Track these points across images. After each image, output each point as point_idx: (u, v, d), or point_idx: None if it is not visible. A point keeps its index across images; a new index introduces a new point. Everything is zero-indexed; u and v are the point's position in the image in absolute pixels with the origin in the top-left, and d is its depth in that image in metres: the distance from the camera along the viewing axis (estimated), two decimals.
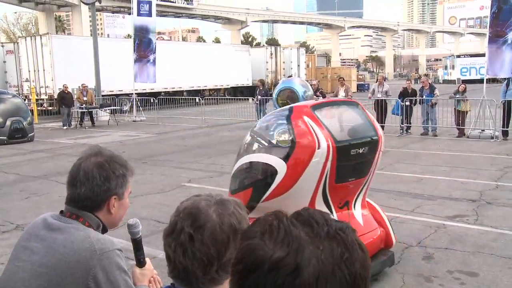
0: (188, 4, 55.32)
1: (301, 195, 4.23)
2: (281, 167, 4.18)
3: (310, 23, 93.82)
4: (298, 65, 39.89)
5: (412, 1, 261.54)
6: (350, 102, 5.33)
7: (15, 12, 68.70)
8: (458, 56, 55.98)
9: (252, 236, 0.83)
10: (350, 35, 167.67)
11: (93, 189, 1.67)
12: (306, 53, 45.12)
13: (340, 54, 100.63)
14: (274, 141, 4.32)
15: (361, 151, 4.40)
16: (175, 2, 53.86)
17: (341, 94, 16.53)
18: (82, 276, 1.56)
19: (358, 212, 4.68)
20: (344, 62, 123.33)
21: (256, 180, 4.42)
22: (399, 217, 6.52)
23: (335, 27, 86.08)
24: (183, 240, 1.17)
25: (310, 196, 4.28)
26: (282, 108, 4.84)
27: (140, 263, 1.84)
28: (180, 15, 62.14)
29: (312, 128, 4.14)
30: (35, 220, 1.75)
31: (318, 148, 4.09)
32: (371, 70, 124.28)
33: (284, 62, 38.96)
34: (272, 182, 4.22)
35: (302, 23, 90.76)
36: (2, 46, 28.93)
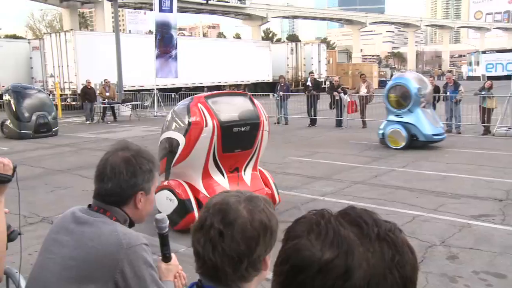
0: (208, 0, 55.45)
1: (196, 161, 5.85)
2: (182, 141, 5.76)
3: (331, 19, 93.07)
4: (319, 61, 39.66)
5: None
6: (242, 94, 7.12)
7: (41, 10, 69.90)
8: (484, 52, 54.96)
9: (298, 235, 0.80)
10: (372, 31, 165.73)
11: (120, 184, 1.68)
12: (327, 49, 44.81)
13: (361, 50, 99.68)
14: (179, 121, 5.85)
15: (243, 129, 5.92)
16: None
17: (363, 91, 16.38)
18: (110, 269, 1.57)
19: (247, 176, 6.27)
20: (365, 58, 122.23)
21: (168, 151, 5.91)
22: (422, 215, 6.43)
23: (356, 23, 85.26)
24: (212, 236, 1.16)
25: (203, 163, 5.86)
26: (188, 98, 6.40)
27: (166, 258, 1.85)
28: (201, 11, 62.36)
29: (203, 112, 5.72)
30: (64, 213, 1.77)
31: (206, 126, 5.69)
32: (393, 66, 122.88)
33: (304, 58, 38.79)
34: (177, 152, 5.80)
35: (323, 19, 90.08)
36: (29, 42, 29.49)
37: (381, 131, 12.12)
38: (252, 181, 6.23)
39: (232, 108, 6.18)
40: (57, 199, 7.68)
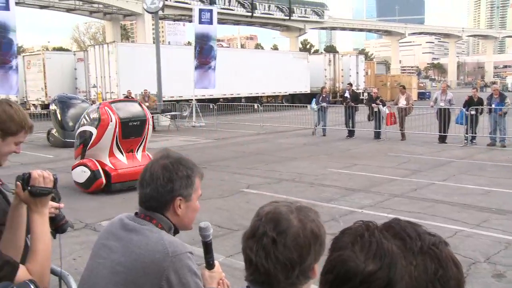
0: (247, 12, 56.73)
1: (104, 145, 8.67)
2: (94, 132, 8.57)
3: (369, 30, 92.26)
4: (357, 73, 39.33)
5: (479, 6, 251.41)
6: (134, 100, 10.87)
7: (86, 23, 72.38)
8: None
9: (343, 247, 0.83)
10: (411, 42, 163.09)
11: (157, 189, 1.72)
12: (365, 60, 44.39)
13: (400, 61, 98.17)
14: (91, 118, 8.66)
15: (135, 123, 8.93)
16: (234, 10, 55.28)
17: (402, 102, 16.13)
18: (156, 277, 1.61)
19: (139, 155, 9.10)
20: (404, 70, 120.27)
21: (84, 140, 8.68)
22: (464, 230, 6.26)
23: (395, 33, 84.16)
24: (266, 243, 1.20)
25: (109, 146, 8.68)
26: (97, 103, 9.96)
27: (210, 265, 1.87)
28: (239, 22, 63.03)
29: (108, 111, 8.60)
30: (112, 219, 1.83)
31: (111, 121, 8.54)
32: (433, 77, 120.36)
33: (342, 70, 38.55)
34: (90, 139, 8.59)
35: (361, 30, 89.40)
36: (74, 54, 30.60)
37: None
38: (142, 159, 9.00)
39: (128, 110, 9.06)
40: (99, 206, 7.88)
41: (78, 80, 28.43)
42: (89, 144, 8.61)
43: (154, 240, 1.67)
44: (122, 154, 8.90)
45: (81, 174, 8.62)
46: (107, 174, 8.64)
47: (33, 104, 27.88)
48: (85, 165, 8.60)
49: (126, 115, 8.84)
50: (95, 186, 8.58)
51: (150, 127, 9.31)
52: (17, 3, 19.31)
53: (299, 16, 61.90)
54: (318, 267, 1.21)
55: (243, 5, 55.25)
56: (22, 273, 1.53)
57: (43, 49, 49.28)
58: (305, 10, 63.26)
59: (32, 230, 1.68)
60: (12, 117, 1.97)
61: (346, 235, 0.85)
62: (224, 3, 52.75)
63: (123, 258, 1.67)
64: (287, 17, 60.39)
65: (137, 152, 9.11)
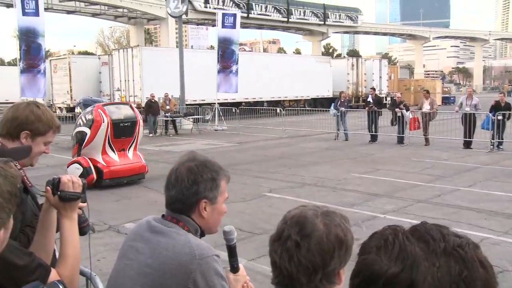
0: (283, 17, 58.27)
1: (98, 144, 9.50)
2: (88, 132, 9.43)
3: (393, 34, 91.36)
4: (380, 77, 39.01)
5: (508, 8, 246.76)
6: (126, 103, 11.46)
7: (110, 27, 73.58)
8: None
9: (368, 251, 0.86)
10: (435, 45, 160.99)
11: (182, 191, 1.74)
12: (388, 64, 44.02)
13: (423, 66, 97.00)
14: (85, 120, 9.52)
15: (126, 124, 9.81)
16: (270, 16, 56.96)
17: (426, 107, 15.94)
18: (183, 279, 1.63)
19: (130, 154, 10.01)
20: (428, 74, 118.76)
21: (79, 139, 9.48)
22: (491, 238, 6.15)
23: (419, 37, 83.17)
24: (289, 246, 1.21)
25: (102, 145, 9.52)
26: (92, 105, 10.66)
27: (234, 269, 1.88)
28: (262, 26, 63.21)
29: (101, 113, 9.47)
30: (140, 221, 1.86)
31: (103, 122, 9.42)
32: (458, 82, 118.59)
33: (365, 74, 38.30)
34: (85, 139, 9.42)
35: (384, 34, 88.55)
36: (99, 58, 31.13)
37: None
38: (133, 157, 10.03)
39: (119, 112, 9.97)
40: (123, 209, 7.99)
41: (102, 84, 28.89)
42: (84, 143, 9.47)
43: (181, 243, 1.68)
44: (114, 152, 9.76)
45: (75, 171, 9.24)
46: (99, 171, 9.46)
47: (59, 107, 28.45)
48: (79, 162, 9.43)
49: (118, 117, 9.78)
50: (87, 181, 9.16)
51: (141, 128, 10.27)
52: (45, 9, 19.77)
53: (333, 21, 62.84)
54: (346, 273, 1.22)
55: (279, 11, 56.87)
56: (54, 277, 1.56)
57: (69, 53, 50.23)
58: (339, 15, 64.05)
59: (62, 235, 1.71)
60: (40, 118, 2.03)
61: (373, 239, 0.88)
62: (261, 9, 54.60)
63: (150, 260, 1.69)
64: (322, 23, 61.66)
65: (128, 151, 10.01)
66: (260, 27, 61.52)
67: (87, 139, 9.40)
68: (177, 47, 26.10)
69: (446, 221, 6.91)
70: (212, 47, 55.28)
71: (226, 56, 22.71)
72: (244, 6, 51.24)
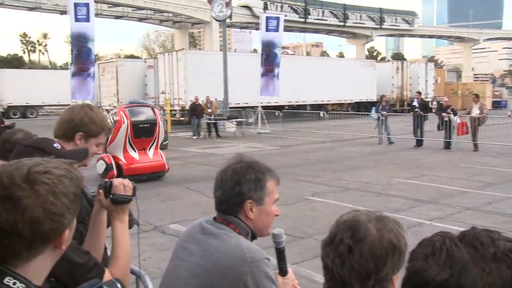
0: (340, 21, 58.81)
1: (119, 143, 10.35)
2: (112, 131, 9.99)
3: (439, 37, 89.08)
4: (426, 81, 38.09)
5: None
6: (147, 106, 11.53)
7: (155, 31, 75.20)
8: None
9: (416, 258, 0.87)
10: (485, 48, 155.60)
11: (226, 192, 1.76)
12: (434, 68, 42.92)
13: (472, 69, 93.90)
14: (112, 120, 10.18)
15: (146, 125, 10.64)
16: (327, 21, 57.74)
17: (475, 112, 15.45)
18: (234, 281, 1.64)
19: (150, 153, 10.74)
20: (477, 78, 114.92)
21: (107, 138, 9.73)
22: None
23: (468, 40, 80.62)
24: (342, 251, 1.20)
25: (123, 144, 10.36)
26: (115, 108, 13.40)
27: (283, 272, 1.89)
28: (305, 29, 63.06)
29: (123, 115, 10.36)
30: (192, 223, 1.90)
31: (123, 123, 10.30)
32: (510, 85, 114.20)
33: (410, 78, 37.51)
34: (108, 138, 9.31)
35: (431, 36, 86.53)
36: (145, 61, 31.85)
37: None
38: (154, 156, 10.75)
39: (140, 114, 10.78)
40: (168, 209, 8.15)
41: (147, 86, 29.52)
42: (108, 142, 10.04)
43: (232, 245, 1.70)
44: (135, 151, 10.58)
45: (101, 167, 10.24)
46: (119, 167, 10.32)
47: (106, 109, 29.27)
48: (103, 159, 10.27)
49: (138, 118, 10.61)
50: (108, 177, 9.83)
51: (162, 129, 11.03)
52: (95, 15, 20.46)
53: (389, 25, 63.38)
54: (399, 279, 1.20)
55: (336, 16, 58.49)
56: (107, 276, 1.61)
57: (116, 57, 51.74)
58: (396, 19, 64.23)
59: (114, 237, 1.77)
60: (93, 120, 2.11)
61: (421, 246, 0.89)
62: (318, 14, 56.45)
63: (202, 261, 1.72)
64: (378, 26, 62.17)
65: (149, 150, 10.78)
66: (316, 31, 62.79)
67: (110, 138, 10.08)
68: (221, 50, 26.35)
69: (497, 230, 6.66)
70: (255, 50, 55.67)
71: (269, 59, 22.77)
72: (301, 11, 53.12)
